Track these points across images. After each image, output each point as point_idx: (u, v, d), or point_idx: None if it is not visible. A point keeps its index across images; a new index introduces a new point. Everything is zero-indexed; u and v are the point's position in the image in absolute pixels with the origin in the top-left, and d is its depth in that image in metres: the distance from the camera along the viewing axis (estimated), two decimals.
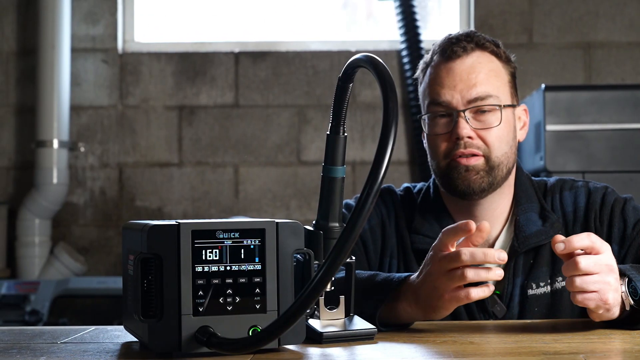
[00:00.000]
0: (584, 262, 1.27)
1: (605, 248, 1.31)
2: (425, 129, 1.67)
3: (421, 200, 1.73)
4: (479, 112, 1.61)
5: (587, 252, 1.29)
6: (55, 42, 3.95)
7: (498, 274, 1.29)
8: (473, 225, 1.30)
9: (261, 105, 4.10)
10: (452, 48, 1.63)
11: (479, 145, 1.60)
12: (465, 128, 1.59)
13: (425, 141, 1.69)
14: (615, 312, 1.32)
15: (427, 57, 1.69)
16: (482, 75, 1.62)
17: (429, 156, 1.68)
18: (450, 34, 1.68)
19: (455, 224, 1.33)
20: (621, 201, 1.66)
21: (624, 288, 1.33)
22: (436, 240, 1.36)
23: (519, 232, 1.63)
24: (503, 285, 1.61)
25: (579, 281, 1.27)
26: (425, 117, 1.66)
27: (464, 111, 1.60)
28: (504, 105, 1.62)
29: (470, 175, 1.60)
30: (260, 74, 4.10)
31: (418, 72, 1.72)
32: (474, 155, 1.60)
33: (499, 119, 1.61)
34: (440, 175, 1.65)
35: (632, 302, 1.33)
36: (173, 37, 4.23)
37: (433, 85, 1.64)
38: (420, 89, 1.70)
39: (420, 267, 1.38)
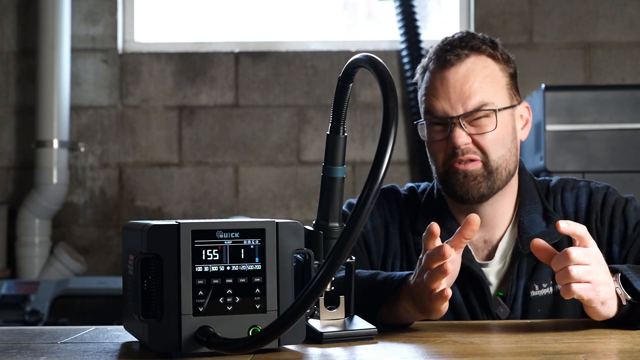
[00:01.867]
0: (574, 252, 1.27)
1: (592, 242, 1.31)
2: (423, 135, 1.67)
3: (425, 200, 1.73)
4: (474, 117, 1.60)
5: (578, 243, 1.30)
6: (55, 42, 3.95)
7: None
8: (436, 228, 1.32)
9: (261, 105, 4.10)
10: (446, 56, 1.61)
11: (476, 150, 1.60)
12: (461, 137, 1.59)
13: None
14: (611, 305, 1.31)
15: (424, 62, 1.68)
16: (477, 84, 1.60)
17: (429, 159, 1.68)
18: (446, 38, 1.66)
19: (428, 229, 1.33)
20: (622, 201, 1.65)
21: (617, 284, 1.33)
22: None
23: (522, 233, 1.63)
24: (506, 286, 1.61)
25: (575, 270, 1.26)
26: (422, 123, 1.66)
27: (459, 118, 1.59)
28: (499, 109, 1.61)
29: (468, 182, 1.60)
30: (260, 74, 4.10)
31: (417, 76, 1.71)
32: (471, 160, 1.60)
33: (494, 123, 1.60)
34: (440, 180, 1.66)
35: (628, 297, 1.32)
36: (173, 37, 4.23)
37: (428, 95, 1.64)
38: (419, 93, 1.70)
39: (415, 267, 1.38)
